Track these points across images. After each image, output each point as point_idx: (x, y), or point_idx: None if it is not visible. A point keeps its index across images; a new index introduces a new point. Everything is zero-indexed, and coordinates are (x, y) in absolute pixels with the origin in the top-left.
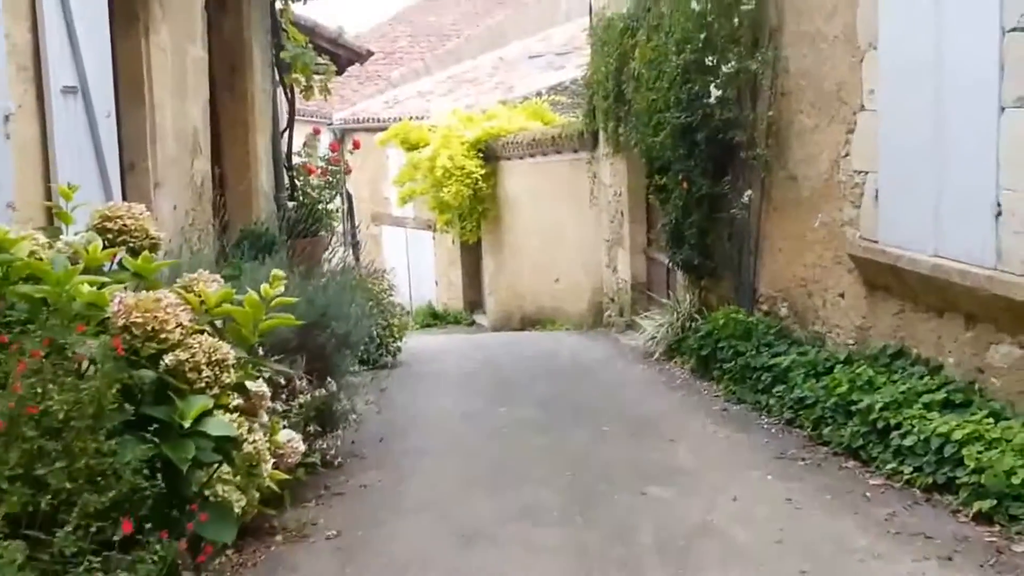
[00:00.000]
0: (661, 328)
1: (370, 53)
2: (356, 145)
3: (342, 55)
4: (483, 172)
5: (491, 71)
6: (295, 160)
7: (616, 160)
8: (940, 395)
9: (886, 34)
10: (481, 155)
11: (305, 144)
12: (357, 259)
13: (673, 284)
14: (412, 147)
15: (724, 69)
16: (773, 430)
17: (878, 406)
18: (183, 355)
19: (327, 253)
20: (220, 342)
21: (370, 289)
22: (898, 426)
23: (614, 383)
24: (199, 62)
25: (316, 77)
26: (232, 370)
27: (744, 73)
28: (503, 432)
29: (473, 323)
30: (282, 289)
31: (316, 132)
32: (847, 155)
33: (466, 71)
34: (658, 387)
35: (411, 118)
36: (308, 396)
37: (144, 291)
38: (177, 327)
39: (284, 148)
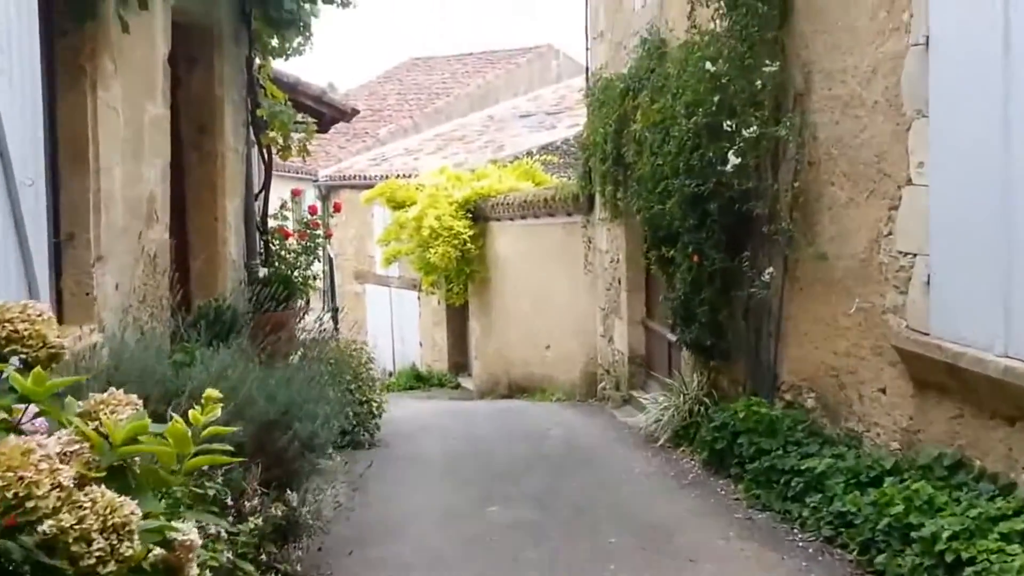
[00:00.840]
0: (666, 411)
1: (355, 111)
2: (337, 208)
3: (327, 113)
4: (471, 233)
5: (481, 129)
6: (271, 223)
7: (613, 225)
8: (1021, 523)
9: (939, 99)
10: (470, 215)
11: (282, 206)
12: (336, 327)
13: (676, 361)
14: (398, 206)
15: (745, 134)
16: (811, 549)
17: (945, 534)
18: (67, 520)
19: (301, 325)
20: (121, 499)
21: (347, 362)
22: (971, 561)
23: (617, 475)
24: (159, 121)
25: (294, 136)
26: (136, 535)
27: (766, 140)
28: (491, 541)
29: (458, 386)
30: (217, 414)
31: (295, 194)
32: (890, 234)
33: (455, 129)
34: (667, 482)
35: (398, 176)
36: (261, 518)
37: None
38: (54, 490)
39: (260, 211)
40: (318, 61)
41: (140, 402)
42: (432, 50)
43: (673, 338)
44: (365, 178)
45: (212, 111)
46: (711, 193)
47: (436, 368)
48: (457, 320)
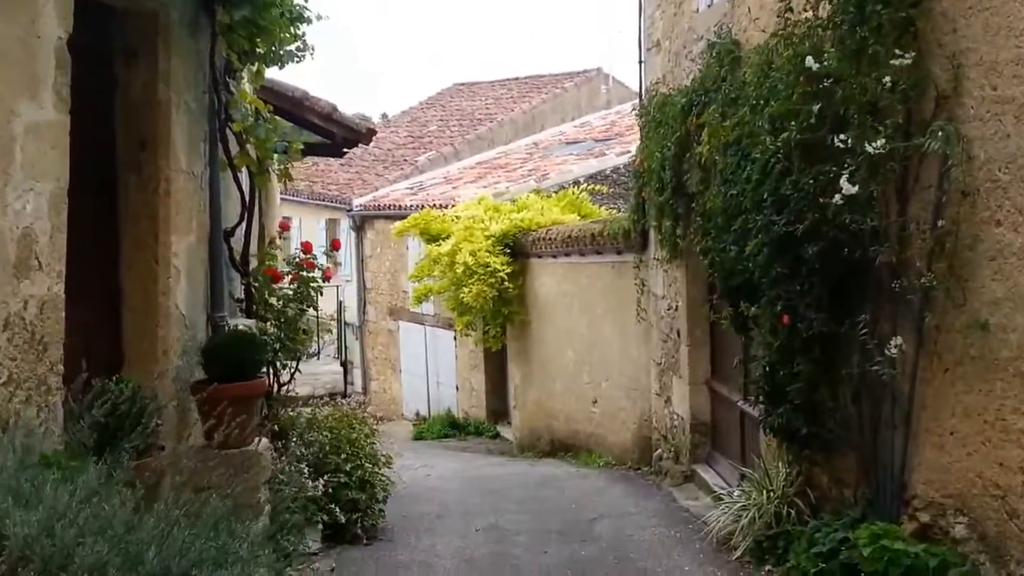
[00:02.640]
0: (745, 511)
1: (372, 132)
2: (335, 245)
3: (338, 133)
4: (510, 271)
5: (524, 157)
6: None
7: (672, 267)
8: None
9: None
10: (508, 251)
11: (270, 243)
12: (346, 385)
13: (751, 436)
14: (432, 238)
15: (870, 150)
16: None
17: None
18: None
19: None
20: None
21: (345, 435)
22: None
23: None
24: (49, 129)
25: (275, 158)
26: None
27: (895, 160)
28: None
29: (497, 435)
30: None
31: (284, 228)
32: None
33: (497, 157)
34: None
35: (435, 206)
36: None
37: None
38: None
39: (241, 248)
40: (371, 91)
41: None
42: (476, 75)
43: (750, 410)
44: (400, 208)
45: (155, 121)
46: (809, 233)
47: (473, 415)
48: (496, 364)
